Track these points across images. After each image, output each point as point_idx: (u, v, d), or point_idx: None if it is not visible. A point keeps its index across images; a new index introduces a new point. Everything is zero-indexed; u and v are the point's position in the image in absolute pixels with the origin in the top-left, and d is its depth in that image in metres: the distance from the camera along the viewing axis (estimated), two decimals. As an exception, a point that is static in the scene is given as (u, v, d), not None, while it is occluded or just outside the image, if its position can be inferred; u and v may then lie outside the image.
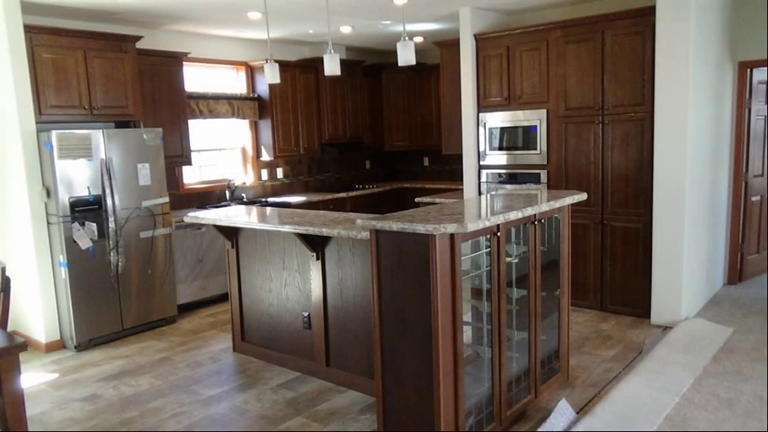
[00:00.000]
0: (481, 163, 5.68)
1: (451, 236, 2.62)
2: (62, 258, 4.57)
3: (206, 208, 6.08)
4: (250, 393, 3.79)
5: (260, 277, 4.25)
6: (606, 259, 4.97)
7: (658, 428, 3.09)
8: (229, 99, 6.37)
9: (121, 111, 5.07)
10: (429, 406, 2.70)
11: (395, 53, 3.86)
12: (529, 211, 2.98)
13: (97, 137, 4.69)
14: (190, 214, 4.30)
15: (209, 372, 4.17)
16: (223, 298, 5.81)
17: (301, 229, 3.54)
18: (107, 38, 4.96)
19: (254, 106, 6.62)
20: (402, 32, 3.77)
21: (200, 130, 6.29)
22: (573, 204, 3.52)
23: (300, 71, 6.81)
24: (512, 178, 5.49)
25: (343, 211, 6.05)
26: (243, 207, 4.73)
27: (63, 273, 4.59)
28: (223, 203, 6.30)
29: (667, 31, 4.38)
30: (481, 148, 5.65)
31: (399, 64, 3.77)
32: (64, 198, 4.53)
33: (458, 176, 7.04)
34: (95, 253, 4.71)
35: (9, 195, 4.75)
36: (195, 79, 6.27)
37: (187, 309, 5.61)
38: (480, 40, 5.52)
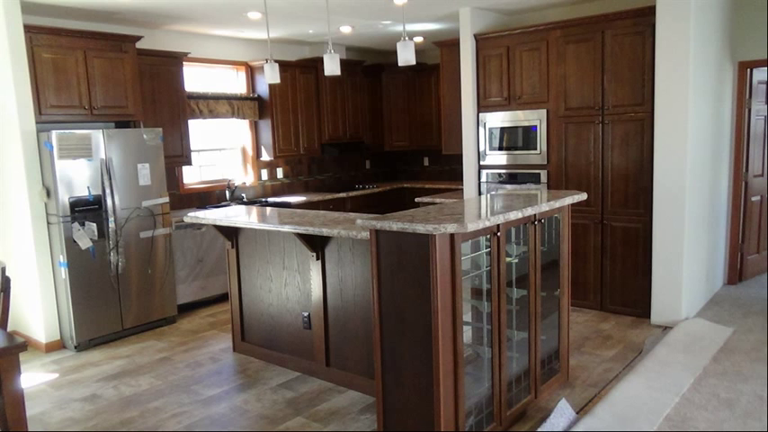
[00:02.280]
0: (481, 163, 5.68)
1: (451, 236, 2.62)
2: (62, 258, 4.57)
3: (206, 208, 6.08)
4: (250, 393, 3.79)
5: (260, 277, 4.25)
6: (606, 259, 4.97)
7: (658, 428, 3.09)
8: (229, 99, 6.37)
9: (121, 111, 5.07)
10: (429, 406, 2.70)
11: (395, 53, 3.87)
12: (529, 211, 2.98)
13: (97, 137, 4.70)
14: (190, 214, 4.30)
15: (209, 372, 4.17)
16: (223, 298, 5.82)
17: (301, 229, 3.54)
18: (107, 38, 4.96)
19: (254, 106, 6.62)
20: (402, 32, 3.78)
21: (200, 130, 6.29)
22: (573, 204, 3.52)
23: (300, 71, 6.81)
24: (512, 178, 5.49)
25: (344, 211, 6.05)
26: (243, 207, 4.73)
27: (63, 273, 4.59)
28: (223, 203, 6.30)
29: (667, 31, 4.38)
30: (481, 148, 5.65)
31: (399, 64, 3.77)
32: (64, 198, 4.53)
33: (458, 176, 7.05)
34: (95, 253, 4.71)
35: (9, 195, 4.75)
36: (195, 79, 6.27)
37: (187, 309, 5.61)
38: (480, 40, 5.52)
